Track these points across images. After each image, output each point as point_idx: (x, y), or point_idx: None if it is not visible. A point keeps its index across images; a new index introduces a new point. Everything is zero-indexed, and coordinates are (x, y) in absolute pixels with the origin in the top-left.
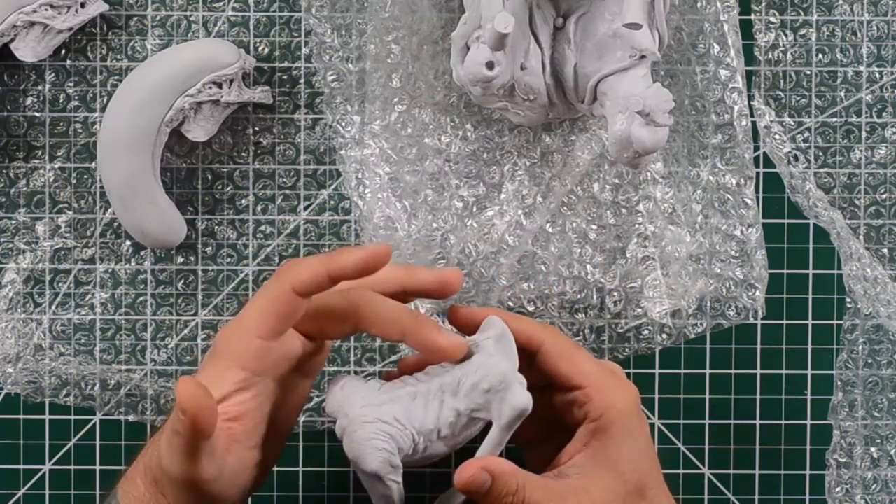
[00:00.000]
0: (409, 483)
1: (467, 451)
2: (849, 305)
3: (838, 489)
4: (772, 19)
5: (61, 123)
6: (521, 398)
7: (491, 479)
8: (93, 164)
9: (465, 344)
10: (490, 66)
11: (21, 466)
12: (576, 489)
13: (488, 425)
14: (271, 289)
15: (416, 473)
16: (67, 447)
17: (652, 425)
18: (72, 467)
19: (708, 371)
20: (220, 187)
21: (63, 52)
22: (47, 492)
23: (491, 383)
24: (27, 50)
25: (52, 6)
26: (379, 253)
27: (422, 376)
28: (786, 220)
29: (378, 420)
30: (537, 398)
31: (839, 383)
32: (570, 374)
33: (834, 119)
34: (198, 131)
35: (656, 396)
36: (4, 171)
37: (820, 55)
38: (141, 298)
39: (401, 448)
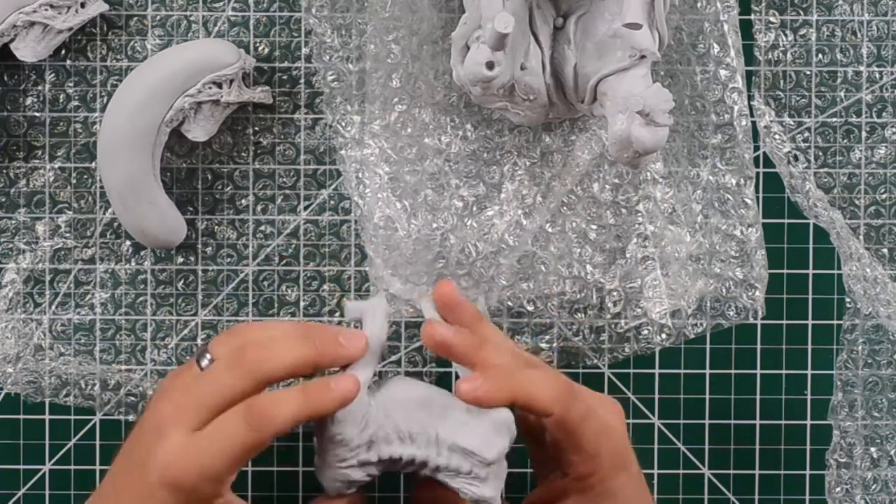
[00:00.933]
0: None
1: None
2: (848, 305)
3: (838, 489)
4: (772, 19)
5: (61, 123)
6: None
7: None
8: (93, 164)
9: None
10: (490, 66)
11: (21, 466)
12: None
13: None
14: (251, 440)
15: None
16: (67, 447)
17: (652, 425)
18: (72, 467)
19: (708, 371)
20: (220, 187)
21: (63, 52)
22: (47, 492)
23: (490, 457)
24: (27, 50)
25: (52, 6)
26: (350, 390)
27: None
28: (786, 220)
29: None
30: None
31: (839, 383)
32: (568, 449)
33: (834, 119)
34: (198, 131)
35: (656, 396)
36: (4, 171)
37: (820, 55)
38: (141, 298)
39: None
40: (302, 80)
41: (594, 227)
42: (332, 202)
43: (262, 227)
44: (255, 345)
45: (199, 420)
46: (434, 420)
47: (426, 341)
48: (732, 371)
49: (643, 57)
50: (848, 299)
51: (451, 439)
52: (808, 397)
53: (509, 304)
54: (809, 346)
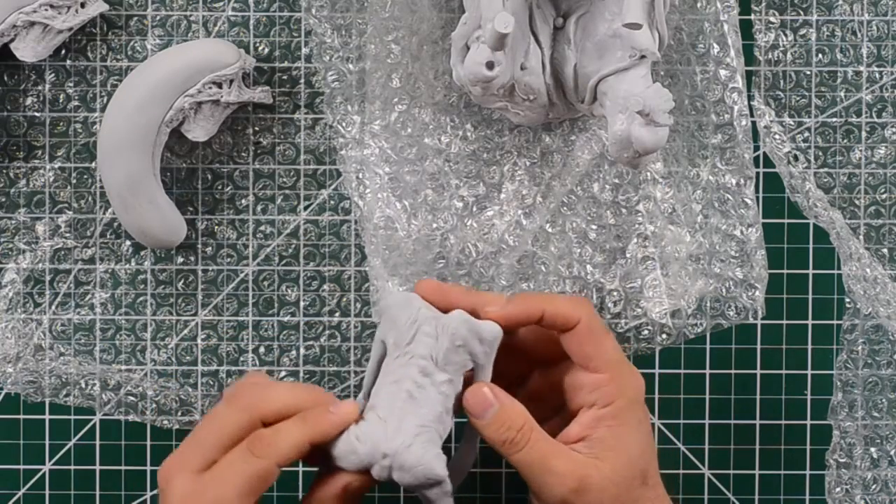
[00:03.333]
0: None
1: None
2: (848, 305)
3: (838, 489)
4: (772, 19)
5: (61, 123)
6: (490, 326)
7: (499, 406)
8: (93, 164)
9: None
10: (490, 66)
11: (21, 466)
12: (584, 462)
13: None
14: (255, 468)
15: None
16: (67, 447)
17: (652, 425)
18: (72, 467)
19: (708, 371)
20: (220, 187)
21: (63, 52)
22: (47, 492)
23: (459, 334)
24: (27, 50)
25: (52, 6)
26: (350, 412)
27: (393, 370)
28: (786, 220)
29: (419, 427)
30: (539, 377)
31: (839, 383)
32: (593, 357)
33: (834, 119)
34: (198, 131)
35: (656, 396)
36: (4, 171)
37: (820, 55)
38: (141, 298)
39: (439, 443)
40: (302, 80)
41: (594, 227)
42: (332, 202)
43: (262, 227)
44: (251, 385)
45: (204, 461)
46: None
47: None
48: (732, 371)
49: (643, 57)
50: (848, 299)
51: None
52: (808, 397)
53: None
54: (809, 346)
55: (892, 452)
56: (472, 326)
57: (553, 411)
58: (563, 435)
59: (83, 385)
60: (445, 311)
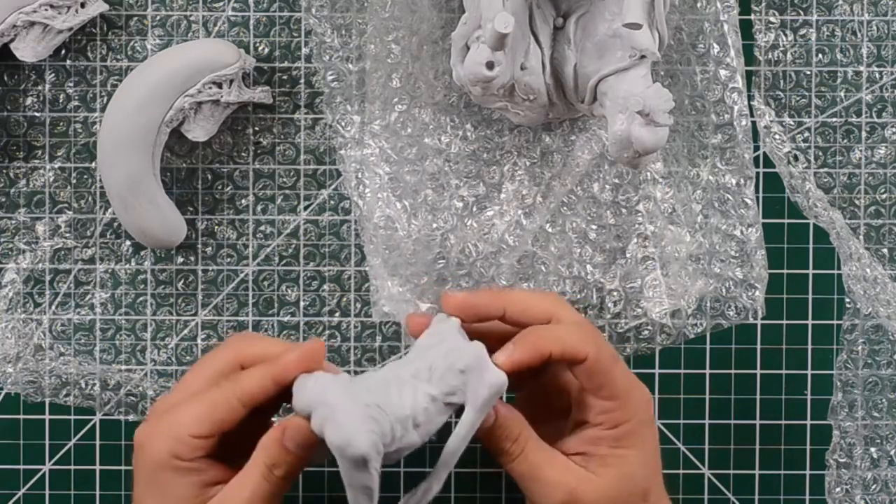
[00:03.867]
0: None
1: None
2: (848, 306)
3: (838, 489)
4: (772, 19)
5: (61, 123)
6: (497, 375)
7: (495, 417)
8: (93, 164)
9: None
10: (490, 66)
11: (21, 466)
12: (577, 474)
13: (458, 412)
14: (213, 396)
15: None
16: (67, 447)
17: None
18: (72, 467)
19: (708, 371)
20: (220, 187)
21: (63, 52)
22: (47, 492)
23: (466, 363)
24: (27, 50)
25: (52, 6)
26: (315, 349)
27: (391, 366)
28: (786, 220)
29: (362, 404)
30: (536, 379)
31: (839, 383)
32: (602, 387)
33: (834, 119)
34: (198, 131)
35: (656, 396)
36: (4, 171)
37: (820, 55)
38: (141, 298)
39: (384, 433)
40: (302, 80)
41: (594, 227)
42: (332, 202)
43: (262, 227)
44: (240, 335)
45: (179, 398)
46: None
47: (446, 309)
48: (732, 371)
49: (643, 57)
50: (848, 299)
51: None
52: (808, 397)
53: None
54: (809, 346)
55: (892, 452)
56: (481, 364)
57: (550, 413)
58: (561, 445)
59: (83, 385)
60: (476, 321)
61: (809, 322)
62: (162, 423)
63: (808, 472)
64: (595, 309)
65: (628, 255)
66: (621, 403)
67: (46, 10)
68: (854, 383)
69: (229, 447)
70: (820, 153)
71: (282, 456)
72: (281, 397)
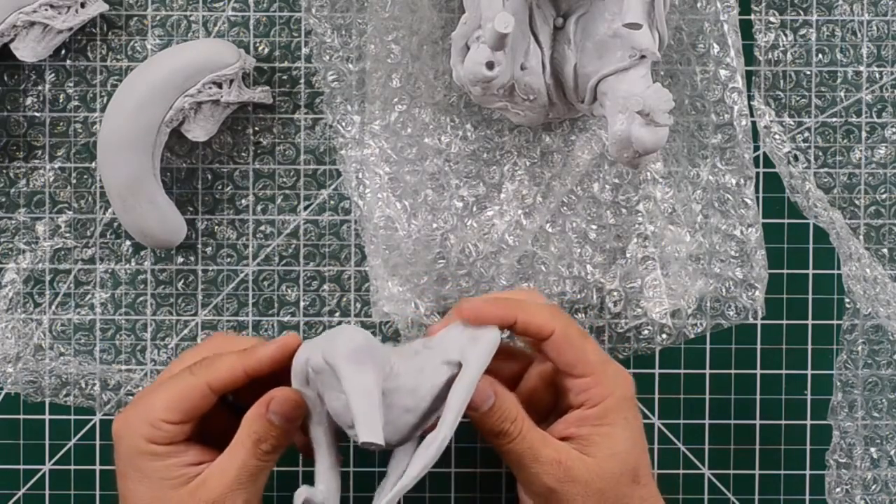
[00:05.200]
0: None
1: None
2: (848, 306)
3: (838, 489)
4: (772, 19)
5: (61, 123)
6: (491, 332)
7: (494, 398)
8: (93, 164)
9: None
10: (490, 66)
11: (21, 466)
12: (570, 453)
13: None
14: (185, 381)
15: None
16: (67, 447)
17: (652, 425)
18: (72, 467)
19: (708, 371)
20: (220, 187)
21: (63, 52)
22: (47, 492)
23: (463, 326)
24: (27, 50)
25: (52, 6)
26: (288, 344)
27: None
28: (786, 220)
29: (390, 378)
30: (533, 377)
31: (838, 383)
32: (575, 364)
33: (834, 119)
34: (198, 131)
35: (656, 396)
36: (4, 171)
37: (820, 55)
38: (141, 298)
39: (382, 356)
40: (302, 80)
41: (594, 227)
42: (332, 202)
43: (262, 227)
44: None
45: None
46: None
47: (458, 317)
48: (732, 371)
49: (643, 57)
50: (848, 299)
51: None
52: (808, 397)
53: None
54: (809, 346)
55: (892, 452)
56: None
57: (549, 411)
58: (548, 431)
59: (83, 385)
60: None
61: (809, 322)
62: (136, 411)
63: (807, 472)
64: (595, 309)
65: (628, 255)
66: (597, 379)
67: (46, 10)
68: (854, 383)
69: (212, 429)
70: (820, 153)
71: (267, 430)
72: (254, 389)
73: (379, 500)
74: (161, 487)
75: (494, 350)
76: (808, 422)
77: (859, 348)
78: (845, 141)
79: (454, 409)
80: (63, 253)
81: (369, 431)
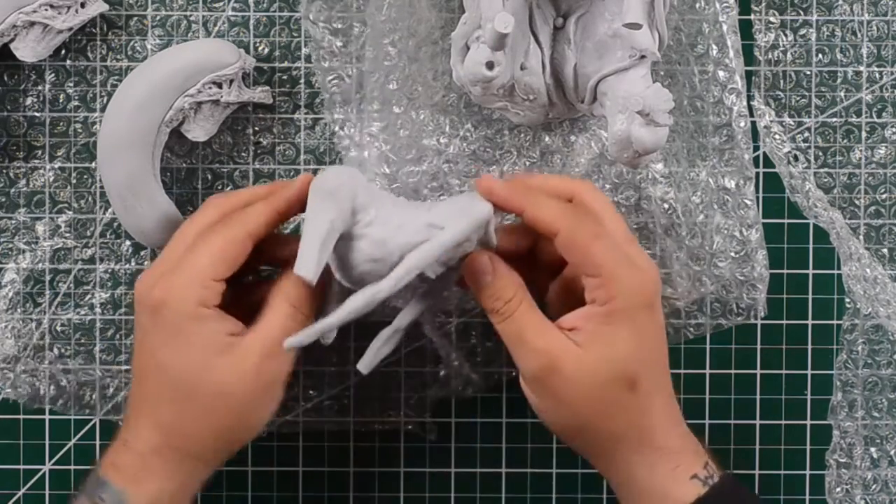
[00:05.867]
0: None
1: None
2: (848, 306)
3: (838, 489)
4: (772, 19)
5: (61, 123)
6: (480, 209)
7: (493, 277)
8: (93, 164)
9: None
10: (490, 66)
11: (21, 466)
12: (562, 344)
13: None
14: (223, 235)
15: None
16: (67, 447)
17: None
18: (72, 467)
19: (708, 371)
20: (220, 187)
21: (63, 52)
22: (47, 492)
23: (461, 200)
24: (27, 50)
25: (52, 6)
26: (308, 181)
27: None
28: (786, 220)
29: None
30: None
31: (839, 383)
32: (582, 264)
33: (834, 119)
34: (198, 131)
35: None
36: (4, 171)
37: (820, 55)
38: None
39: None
40: (302, 80)
41: None
42: None
43: None
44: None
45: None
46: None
47: (478, 189)
48: (732, 371)
49: (643, 57)
50: (848, 299)
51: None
52: (808, 397)
53: None
54: (809, 346)
55: (892, 452)
56: (472, 200)
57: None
58: (560, 321)
59: (81, 394)
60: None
61: (809, 322)
62: (181, 275)
63: (808, 472)
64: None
65: None
66: (605, 281)
67: (46, 10)
68: (854, 383)
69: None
70: (820, 153)
71: (300, 291)
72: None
73: (297, 336)
74: (206, 354)
75: (480, 226)
76: (808, 422)
77: (859, 348)
78: (845, 141)
79: (406, 264)
80: (63, 253)
81: (302, 265)
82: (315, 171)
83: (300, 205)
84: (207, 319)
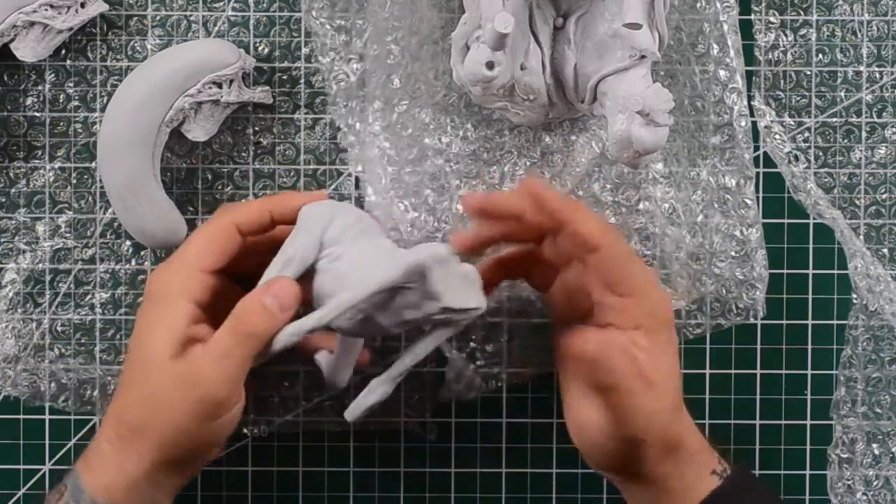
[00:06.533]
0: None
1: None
2: (854, 302)
3: (840, 485)
4: (772, 19)
5: (61, 123)
6: (434, 251)
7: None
8: (93, 164)
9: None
10: (490, 66)
11: (21, 466)
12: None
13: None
14: (213, 225)
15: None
16: (67, 447)
17: None
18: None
19: (708, 371)
20: (220, 187)
21: (63, 52)
22: (47, 492)
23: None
24: (27, 50)
25: (52, 6)
26: (318, 197)
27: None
28: (786, 220)
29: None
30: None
31: (842, 379)
32: (619, 283)
33: (834, 119)
34: (198, 131)
35: None
36: (4, 171)
37: (820, 55)
38: (141, 298)
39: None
40: (302, 80)
41: None
42: None
43: None
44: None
45: None
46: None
47: (465, 209)
48: (732, 371)
49: (643, 57)
50: (854, 296)
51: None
52: (808, 397)
53: (508, 305)
54: (809, 346)
55: (893, 450)
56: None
57: (574, 313)
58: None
59: (82, 391)
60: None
61: (809, 322)
62: (170, 265)
63: (808, 471)
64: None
65: None
66: (637, 301)
67: (46, 10)
68: (857, 380)
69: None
70: (820, 153)
71: (258, 319)
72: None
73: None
74: (162, 349)
75: (410, 273)
76: (808, 422)
77: (861, 346)
78: (845, 141)
79: (335, 301)
80: (63, 253)
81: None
82: (315, 172)
83: (301, 203)
84: (180, 314)
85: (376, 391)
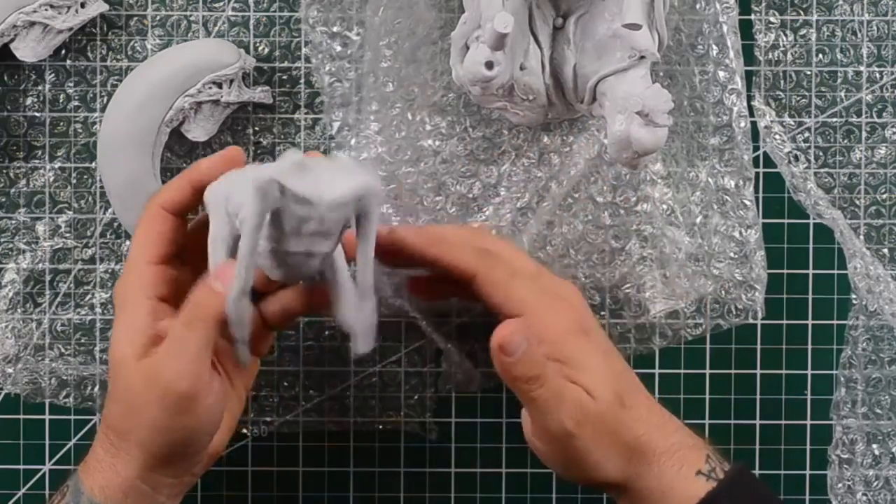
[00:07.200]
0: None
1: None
2: (854, 302)
3: (840, 485)
4: (772, 19)
5: (61, 123)
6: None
7: (526, 345)
8: (93, 164)
9: None
10: (489, 65)
11: (21, 466)
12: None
13: None
14: (143, 215)
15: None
16: (67, 447)
17: None
18: (72, 467)
19: (708, 371)
20: None
21: (63, 52)
22: (47, 492)
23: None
24: (27, 50)
25: (52, 6)
26: (230, 156)
27: None
28: (786, 220)
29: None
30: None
31: (842, 379)
32: (504, 304)
33: (834, 119)
34: (198, 131)
35: (657, 396)
36: (4, 171)
37: (820, 55)
38: None
39: None
40: (302, 80)
41: (593, 227)
42: None
43: None
44: None
45: None
46: None
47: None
48: (732, 371)
49: (642, 57)
50: (854, 296)
51: None
52: (808, 397)
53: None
54: (809, 346)
55: (893, 450)
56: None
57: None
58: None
59: (83, 387)
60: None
61: (809, 322)
62: (125, 270)
63: (808, 472)
64: (594, 309)
65: (627, 256)
66: (529, 319)
67: (46, 10)
68: (857, 380)
69: None
70: (820, 153)
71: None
72: None
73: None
74: (129, 347)
75: (265, 196)
76: (808, 422)
77: (861, 346)
78: (845, 141)
79: (239, 263)
80: (63, 253)
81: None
82: None
83: (215, 175)
84: (139, 313)
85: (364, 310)
